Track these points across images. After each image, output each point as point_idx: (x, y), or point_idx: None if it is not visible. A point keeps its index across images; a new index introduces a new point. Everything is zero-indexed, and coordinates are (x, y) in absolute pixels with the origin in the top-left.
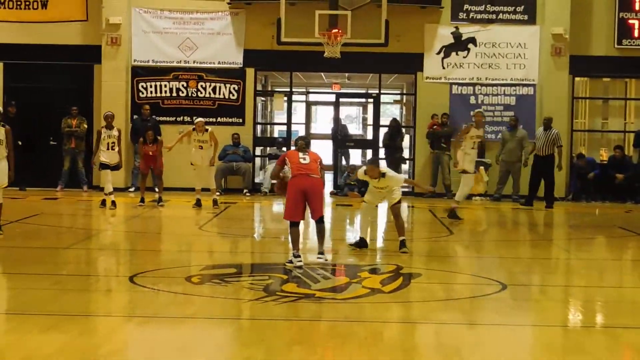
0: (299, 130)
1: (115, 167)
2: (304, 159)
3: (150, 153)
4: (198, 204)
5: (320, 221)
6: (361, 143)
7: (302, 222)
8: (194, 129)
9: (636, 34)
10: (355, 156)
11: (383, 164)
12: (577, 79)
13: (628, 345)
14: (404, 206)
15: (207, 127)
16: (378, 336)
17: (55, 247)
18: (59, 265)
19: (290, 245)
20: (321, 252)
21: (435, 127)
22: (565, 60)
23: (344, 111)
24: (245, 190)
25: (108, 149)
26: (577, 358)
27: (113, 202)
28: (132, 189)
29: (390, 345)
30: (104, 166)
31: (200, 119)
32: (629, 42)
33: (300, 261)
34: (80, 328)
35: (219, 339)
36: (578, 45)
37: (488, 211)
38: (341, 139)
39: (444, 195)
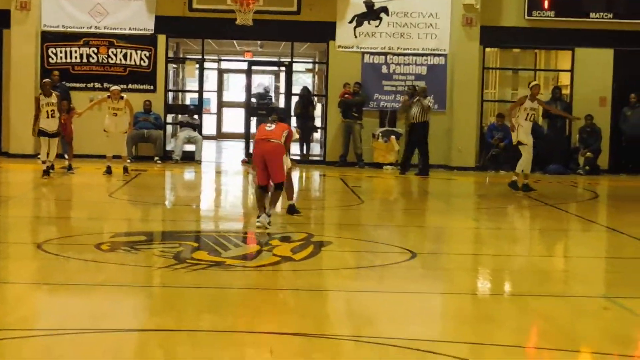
0: (211, 97)
1: (55, 135)
2: (270, 127)
3: (62, 121)
4: (108, 171)
5: (277, 187)
6: (272, 111)
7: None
8: (108, 97)
9: (546, 6)
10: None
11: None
12: (487, 49)
13: (535, 313)
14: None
15: (122, 94)
16: (289, 304)
17: None
18: None
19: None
20: (260, 216)
21: (346, 96)
22: (476, 31)
23: (256, 79)
24: (156, 158)
25: (48, 117)
26: (486, 325)
27: (45, 171)
28: (40, 156)
29: (301, 313)
30: (42, 133)
31: (115, 86)
32: (539, 13)
33: (259, 222)
34: None
35: (129, 306)
36: (489, 16)
37: (398, 180)
38: (263, 106)
39: (356, 164)
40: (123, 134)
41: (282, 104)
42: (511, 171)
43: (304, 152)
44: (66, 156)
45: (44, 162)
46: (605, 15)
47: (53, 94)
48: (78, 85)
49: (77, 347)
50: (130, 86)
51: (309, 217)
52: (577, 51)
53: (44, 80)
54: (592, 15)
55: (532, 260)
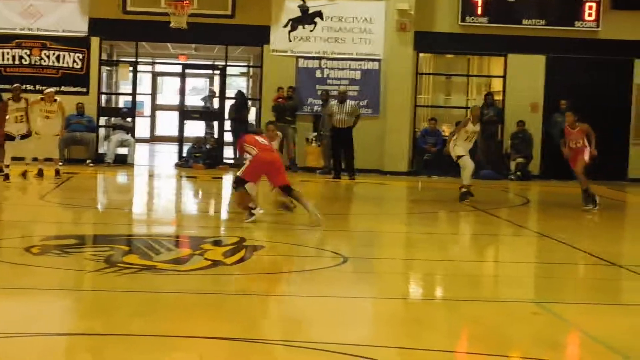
0: (144, 100)
1: (25, 136)
2: (264, 140)
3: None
4: (40, 173)
5: (286, 189)
6: (207, 115)
7: None
8: (42, 99)
9: (479, 12)
10: (201, 127)
11: None
12: (421, 54)
13: (466, 317)
14: None
15: (55, 97)
16: (220, 308)
17: None
18: None
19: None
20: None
21: (280, 100)
22: (410, 36)
23: (190, 83)
24: (88, 161)
25: (17, 122)
26: (416, 329)
27: (6, 176)
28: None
29: (232, 318)
30: (9, 138)
31: (50, 89)
32: (472, 19)
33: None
34: None
35: (59, 310)
36: (423, 22)
37: (331, 184)
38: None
39: (289, 169)
40: (55, 137)
41: (216, 107)
42: (443, 177)
43: (237, 155)
44: None
45: (7, 167)
46: (538, 22)
47: (22, 99)
48: (10, 87)
49: (6, 350)
50: (63, 88)
51: (241, 221)
52: (509, 57)
53: (14, 85)
54: (524, 22)
55: (463, 265)
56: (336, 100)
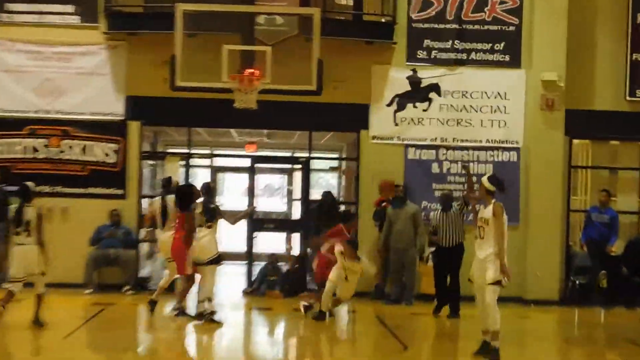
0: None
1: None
2: None
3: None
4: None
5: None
6: (284, 224)
7: None
8: None
9: None
10: (277, 241)
11: None
12: (575, 141)
13: None
14: None
15: None
16: None
17: None
18: None
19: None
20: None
21: (384, 204)
22: (559, 116)
23: (262, 180)
24: (126, 287)
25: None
26: None
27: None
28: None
29: None
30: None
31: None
32: None
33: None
34: None
35: None
36: (577, 97)
37: (446, 320)
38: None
39: (388, 298)
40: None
41: (296, 213)
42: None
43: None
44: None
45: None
46: None
47: None
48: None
49: None
50: (90, 190)
51: None
52: None
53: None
54: None
55: None
56: (439, 209)
